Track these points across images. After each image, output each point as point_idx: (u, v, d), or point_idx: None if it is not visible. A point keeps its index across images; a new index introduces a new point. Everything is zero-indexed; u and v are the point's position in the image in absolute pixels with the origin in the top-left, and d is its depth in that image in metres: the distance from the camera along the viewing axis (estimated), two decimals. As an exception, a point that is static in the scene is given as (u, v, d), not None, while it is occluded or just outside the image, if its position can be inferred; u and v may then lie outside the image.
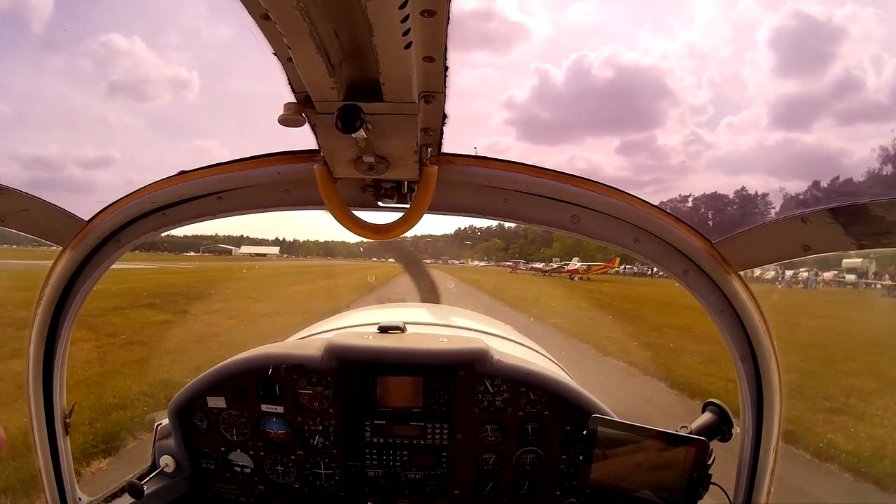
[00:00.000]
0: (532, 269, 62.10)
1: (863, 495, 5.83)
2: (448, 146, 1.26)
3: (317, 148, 1.15)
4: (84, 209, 1.56)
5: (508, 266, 71.06)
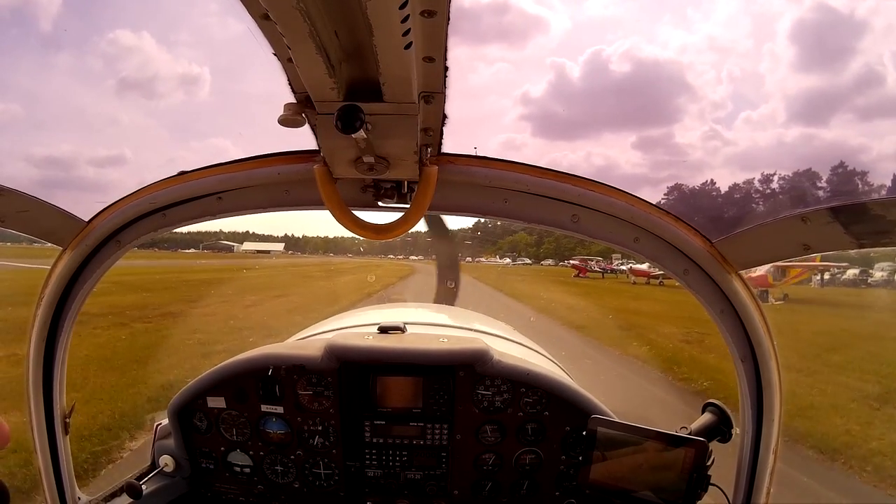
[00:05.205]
0: (632, 271, 34.86)
1: None
2: (456, 144, 1.25)
3: (317, 148, 1.15)
4: (95, 209, 1.56)
5: (574, 265, 45.11)
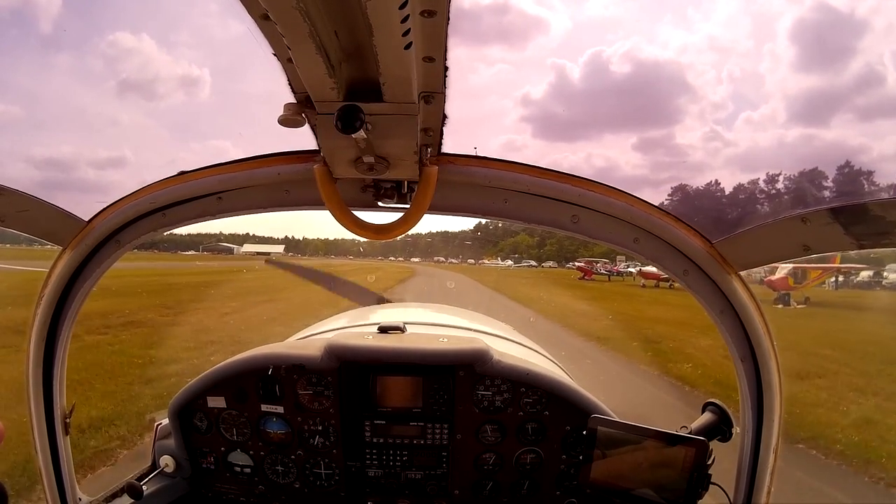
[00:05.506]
0: (642, 274, 32.96)
1: None
2: (456, 144, 1.25)
3: (317, 148, 1.15)
4: (95, 209, 1.56)
5: (579, 267, 43.27)
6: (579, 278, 39.69)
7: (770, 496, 1.60)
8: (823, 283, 28.83)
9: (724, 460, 1.56)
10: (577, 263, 47.59)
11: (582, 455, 1.56)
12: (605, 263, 43.94)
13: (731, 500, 1.58)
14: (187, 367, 9.34)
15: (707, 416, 1.59)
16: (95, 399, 7.66)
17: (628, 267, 40.41)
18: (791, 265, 22.21)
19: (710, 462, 1.45)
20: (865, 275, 29.73)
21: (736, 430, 1.58)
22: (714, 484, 1.47)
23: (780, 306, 21.24)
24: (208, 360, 9.27)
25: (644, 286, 31.46)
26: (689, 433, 1.50)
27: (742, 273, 1.48)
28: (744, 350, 1.52)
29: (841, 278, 30.43)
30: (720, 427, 1.57)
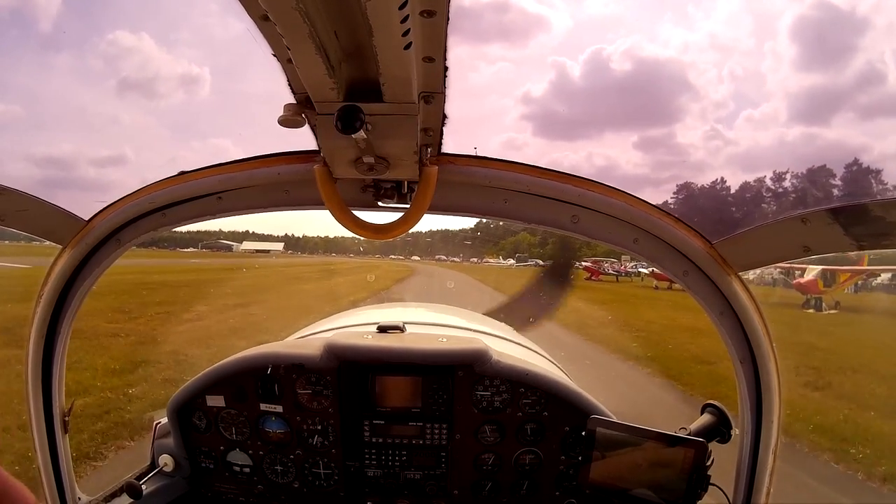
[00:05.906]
0: (655, 275, 29.38)
1: None
2: (456, 144, 1.25)
3: (317, 148, 1.15)
4: (95, 208, 1.56)
5: (586, 267, 40.35)
6: (586, 278, 37.49)
7: (769, 497, 1.60)
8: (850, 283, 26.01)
9: (725, 461, 1.56)
10: (583, 263, 43.04)
11: (581, 456, 1.56)
12: (613, 263, 41.16)
13: (731, 501, 1.59)
14: (95, 402, 7.39)
15: (706, 418, 1.59)
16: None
17: (636, 267, 37.73)
18: (820, 267, 20.77)
19: (709, 463, 1.45)
20: (884, 277, 27.98)
21: (735, 431, 1.58)
22: (713, 485, 1.47)
23: (811, 311, 19.79)
24: (125, 392, 7.94)
25: (657, 287, 29.22)
26: (689, 434, 1.50)
27: (746, 275, 1.48)
28: (743, 351, 1.52)
29: (860, 281, 27.99)
30: (719, 428, 1.57)
